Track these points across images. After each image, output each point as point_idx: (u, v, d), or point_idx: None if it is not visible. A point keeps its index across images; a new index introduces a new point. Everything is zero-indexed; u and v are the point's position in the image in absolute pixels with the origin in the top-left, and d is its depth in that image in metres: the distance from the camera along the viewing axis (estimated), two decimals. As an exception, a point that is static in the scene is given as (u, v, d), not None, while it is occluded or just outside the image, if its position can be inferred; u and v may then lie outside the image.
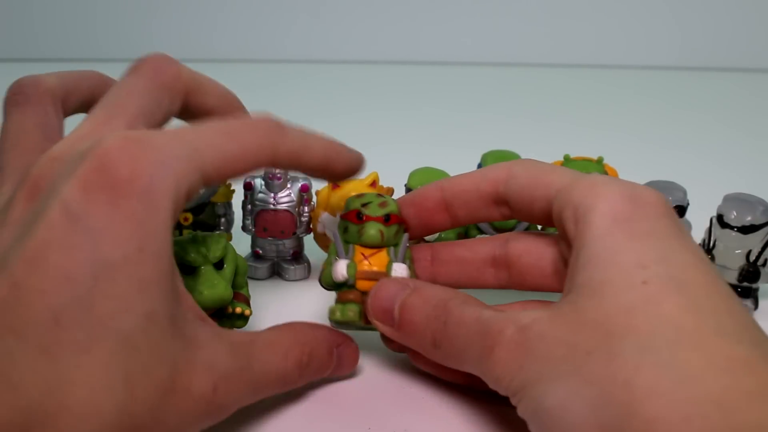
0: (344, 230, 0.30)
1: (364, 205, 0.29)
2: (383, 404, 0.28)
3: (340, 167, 0.28)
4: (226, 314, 0.29)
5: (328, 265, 0.29)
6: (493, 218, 0.29)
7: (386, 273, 0.28)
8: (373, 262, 0.29)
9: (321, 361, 0.27)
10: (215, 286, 0.27)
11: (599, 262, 0.22)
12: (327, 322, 0.33)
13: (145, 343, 0.20)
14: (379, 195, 0.30)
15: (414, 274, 0.29)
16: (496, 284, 0.30)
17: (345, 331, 0.29)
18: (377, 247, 0.29)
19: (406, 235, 0.30)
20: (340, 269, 0.28)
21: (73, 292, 0.19)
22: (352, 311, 0.28)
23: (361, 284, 0.28)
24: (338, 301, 0.29)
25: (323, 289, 0.30)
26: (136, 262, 0.20)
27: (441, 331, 0.25)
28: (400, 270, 0.29)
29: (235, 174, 0.24)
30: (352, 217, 0.29)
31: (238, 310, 0.29)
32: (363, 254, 0.29)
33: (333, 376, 0.28)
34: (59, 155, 0.23)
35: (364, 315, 0.28)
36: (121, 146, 0.21)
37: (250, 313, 0.29)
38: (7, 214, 0.22)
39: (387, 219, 0.29)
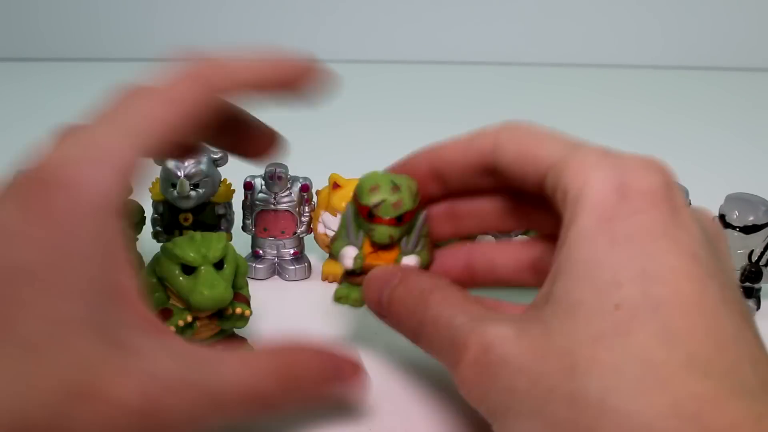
0: (356, 214, 0.28)
1: (376, 205, 0.27)
2: (383, 404, 0.28)
3: (297, 70, 0.28)
4: (226, 315, 0.29)
5: (339, 239, 0.28)
6: (486, 185, 0.27)
7: None
8: (383, 255, 0.28)
9: (312, 381, 0.25)
10: (215, 286, 0.27)
11: (577, 275, 0.21)
12: (327, 325, 0.33)
13: (49, 347, 0.20)
14: (395, 187, 0.27)
15: (427, 256, 0.28)
16: (537, 285, 0.28)
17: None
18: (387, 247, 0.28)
19: (423, 214, 0.28)
20: (347, 260, 0.28)
21: None
22: (356, 299, 0.28)
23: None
24: (344, 281, 0.28)
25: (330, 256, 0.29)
26: (51, 267, 0.20)
27: (419, 329, 0.25)
28: (409, 263, 0.28)
29: (185, 126, 0.23)
30: (363, 213, 0.27)
31: (238, 310, 0.29)
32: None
33: (340, 394, 0.27)
34: None
35: None
36: (49, 151, 0.21)
37: (250, 314, 0.29)
38: None
39: (399, 220, 0.27)
